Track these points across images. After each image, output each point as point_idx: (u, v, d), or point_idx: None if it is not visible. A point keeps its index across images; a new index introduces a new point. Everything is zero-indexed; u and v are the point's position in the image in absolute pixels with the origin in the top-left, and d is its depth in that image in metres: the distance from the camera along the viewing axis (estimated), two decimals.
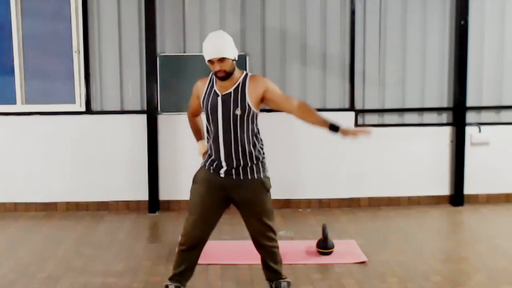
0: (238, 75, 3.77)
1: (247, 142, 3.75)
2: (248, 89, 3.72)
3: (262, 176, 3.82)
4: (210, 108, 3.76)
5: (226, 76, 3.69)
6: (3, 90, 6.73)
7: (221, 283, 4.53)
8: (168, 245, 5.41)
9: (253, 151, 3.77)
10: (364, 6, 6.69)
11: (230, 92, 3.72)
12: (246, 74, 3.80)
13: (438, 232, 6.16)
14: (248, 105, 3.71)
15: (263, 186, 3.83)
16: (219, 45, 3.67)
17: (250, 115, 3.74)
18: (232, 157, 3.74)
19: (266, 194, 3.85)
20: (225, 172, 3.77)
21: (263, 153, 3.86)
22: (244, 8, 6.63)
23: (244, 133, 3.74)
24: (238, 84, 3.73)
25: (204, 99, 3.80)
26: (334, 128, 3.67)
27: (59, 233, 5.96)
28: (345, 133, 3.66)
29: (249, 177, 3.78)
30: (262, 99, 3.77)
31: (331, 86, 6.75)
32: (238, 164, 3.75)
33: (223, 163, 3.76)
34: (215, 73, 3.71)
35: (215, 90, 3.77)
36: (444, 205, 6.86)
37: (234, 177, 3.77)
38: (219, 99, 3.73)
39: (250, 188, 3.80)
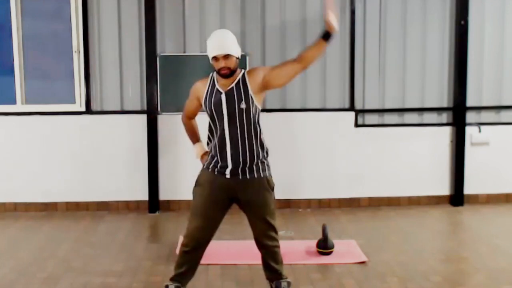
0: (237, 72, 3.79)
1: (254, 138, 3.76)
2: (249, 83, 3.74)
3: (267, 174, 3.84)
4: (214, 106, 3.76)
5: (229, 73, 3.70)
6: (3, 90, 6.73)
7: (221, 283, 4.53)
8: (168, 245, 5.41)
9: (259, 148, 3.79)
10: (364, 6, 6.70)
11: (233, 88, 3.73)
12: (243, 71, 3.81)
13: (438, 232, 6.16)
14: (251, 97, 3.72)
15: (268, 185, 3.84)
16: (224, 42, 3.69)
17: (254, 109, 3.75)
18: (239, 154, 3.74)
19: (271, 192, 3.86)
20: (231, 172, 3.77)
21: (267, 151, 3.86)
22: (244, 8, 6.63)
23: (250, 129, 3.75)
24: (239, 80, 3.74)
25: (206, 98, 3.80)
26: (326, 36, 3.63)
27: (59, 233, 5.96)
28: (328, 24, 3.60)
29: (255, 175, 3.78)
30: (265, 86, 3.76)
31: (331, 86, 6.75)
32: (245, 162, 3.74)
33: (229, 162, 3.76)
34: (219, 70, 3.71)
35: (217, 89, 3.77)
36: (444, 205, 6.86)
37: (240, 176, 3.77)
38: (223, 96, 3.73)
39: (256, 187, 3.80)
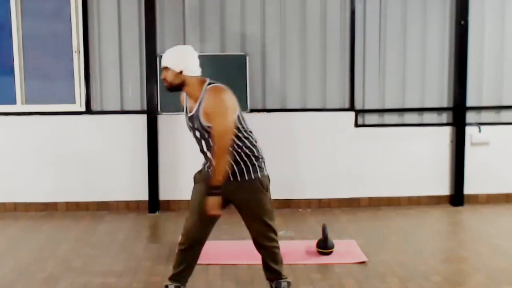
0: (198, 89, 3.71)
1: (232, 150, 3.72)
2: (202, 109, 3.68)
3: (259, 175, 3.81)
4: (187, 126, 3.83)
5: (170, 86, 3.74)
6: (3, 90, 6.73)
7: (221, 283, 4.53)
8: (168, 245, 5.41)
9: (240, 155, 3.74)
10: (364, 6, 6.69)
11: (193, 115, 3.73)
12: (207, 87, 3.70)
13: (438, 232, 6.16)
14: (203, 127, 3.69)
15: (261, 185, 3.82)
16: (167, 54, 3.74)
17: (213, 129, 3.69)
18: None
19: (265, 193, 3.84)
20: None
21: (257, 152, 3.81)
22: (244, 8, 6.63)
23: None
24: (199, 103, 3.70)
25: (184, 114, 3.85)
26: (213, 190, 3.65)
27: (59, 233, 5.96)
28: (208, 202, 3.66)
29: (246, 177, 3.77)
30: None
31: (331, 86, 6.75)
32: (230, 170, 3.73)
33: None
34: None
35: (187, 110, 3.82)
36: (444, 205, 6.86)
37: (231, 179, 3.76)
38: (190, 119, 3.78)
39: (248, 188, 3.78)
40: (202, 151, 3.83)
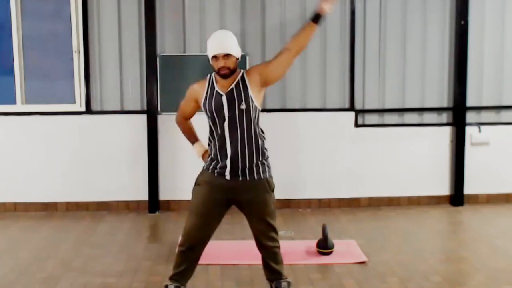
0: (237, 73, 3.78)
1: (254, 139, 3.76)
2: (249, 83, 3.73)
3: (267, 176, 3.83)
4: (215, 108, 3.75)
5: (229, 73, 3.70)
6: (3, 90, 6.73)
7: (221, 283, 4.53)
8: (168, 245, 5.41)
9: (259, 150, 3.78)
10: (364, 6, 6.70)
11: (233, 89, 3.73)
12: (242, 71, 3.80)
13: (438, 232, 6.16)
14: (251, 98, 3.71)
15: (269, 186, 3.83)
16: (225, 42, 3.70)
17: (254, 110, 3.74)
18: (238, 156, 3.73)
19: (271, 194, 3.85)
20: (230, 173, 3.76)
21: (267, 152, 3.86)
22: (244, 8, 6.63)
23: (251, 130, 3.74)
24: (238, 81, 3.74)
25: (206, 101, 3.79)
26: (316, 18, 3.65)
27: (59, 233, 5.96)
28: (322, 9, 3.64)
29: (255, 177, 3.77)
30: (264, 83, 3.77)
31: (331, 86, 6.75)
32: (244, 164, 3.74)
33: (228, 163, 3.75)
34: (219, 70, 3.71)
35: (217, 91, 3.76)
36: (444, 205, 6.86)
37: (240, 178, 3.76)
38: (224, 98, 3.73)
39: (256, 189, 3.79)
40: (223, 139, 3.75)
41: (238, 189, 3.77)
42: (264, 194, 3.81)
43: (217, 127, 3.78)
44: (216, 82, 3.79)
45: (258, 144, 3.78)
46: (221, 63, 3.67)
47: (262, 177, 3.79)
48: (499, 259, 5.03)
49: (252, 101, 3.72)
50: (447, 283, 4.53)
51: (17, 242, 5.66)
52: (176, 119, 4.12)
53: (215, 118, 3.76)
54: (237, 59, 3.74)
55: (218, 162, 3.79)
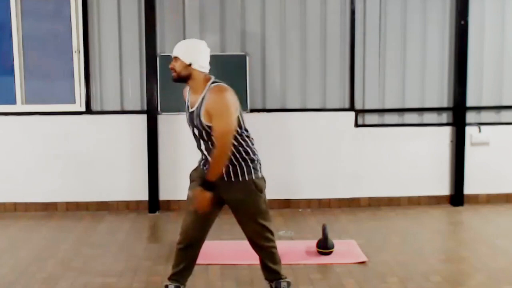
0: (202, 86, 3.72)
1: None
2: (204, 107, 3.67)
3: (253, 177, 3.78)
4: (187, 121, 3.84)
5: (177, 77, 3.74)
6: (3, 90, 6.73)
7: (221, 283, 4.53)
8: (168, 245, 5.41)
9: (236, 157, 3.73)
10: (364, 6, 6.69)
11: (194, 111, 3.73)
12: (211, 85, 3.71)
13: (438, 232, 6.15)
14: (202, 125, 3.68)
15: (255, 187, 3.80)
16: (179, 45, 3.77)
17: (207, 129, 3.70)
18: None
19: (259, 195, 3.82)
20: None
21: (253, 153, 3.81)
22: (244, 8, 6.63)
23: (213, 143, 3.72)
24: (202, 99, 3.69)
25: (185, 109, 3.86)
26: (206, 185, 3.66)
27: (59, 233, 5.96)
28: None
29: (240, 178, 3.75)
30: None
31: (331, 86, 6.75)
32: (225, 169, 3.72)
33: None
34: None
35: (188, 105, 3.82)
36: (444, 205, 6.86)
37: (225, 179, 3.75)
38: (190, 115, 3.77)
39: (240, 189, 3.77)
40: (199, 148, 3.83)
41: (224, 187, 3.73)
42: (252, 195, 3.79)
43: (192, 136, 3.84)
44: (190, 93, 3.82)
45: (233, 154, 3.70)
46: (171, 64, 3.76)
47: (247, 178, 3.76)
48: (499, 259, 5.03)
49: (205, 126, 3.67)
50: (447, 283, 4.53)
51: (17, 242, 5.66)
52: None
53: (189, 128, 3.84)
54: (189, 65, 3.69)
55: (205, 163, 3.81)
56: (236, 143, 3.73)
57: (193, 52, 3.71)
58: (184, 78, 3.73)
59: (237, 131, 3.72)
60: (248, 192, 3.79)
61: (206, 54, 3.76)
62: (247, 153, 3.78)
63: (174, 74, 3.74)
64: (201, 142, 3.78)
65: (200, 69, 3.72)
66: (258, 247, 3.92)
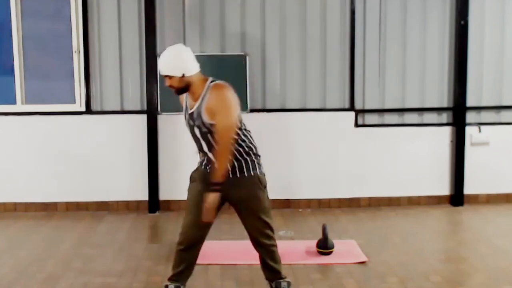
0: (202, 86, 3.72)
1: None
2: (205, 106, 3.68)
3: (258, 172, 3.81)
4: (186, 123, 3.83)
5: (177, 91, 3.74)
6: (3, 90, 6.73)
7: (221, 283, 4.53)
8: (168, 245, 5.40)
9: (240, 152, 3.74)
10: (364, 6, 6.69)
11: (193, 112, 3.73)
12: (210, 84, 3.72)
13: (438, 232, 6.16)
14: (204, 124, 3.68)
15: (259, 183, 3.82)
16: (164, 63, 3.70)
17: (209, 127, 3.70)
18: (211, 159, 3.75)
19: (263, 190, 3.84)
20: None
21: (255, 149, 3.82)
22: (244, 7, 6.63)
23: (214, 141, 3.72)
24: (202, 99, 3.70)
25: (183, 112, 3.85)
26: (213, 186, 3.65)
27: (59, 233, 5.96)
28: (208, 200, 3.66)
29: (245, 174, 3.76)
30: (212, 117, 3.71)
31: (331, 86, 6.75)
32: (229, 165, 3.72)
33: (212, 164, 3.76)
34: None
35: (187, 107, 3.81)
36: (444, 205, 6.86)
37: (230, 175, 3.75)
38: (190, 116, 3.77)
39: (246, 185, 3.78)
40: (201, 149, 3.82)
41: (229, 185, 3.72)
42: (256, 190, 3.80)
43: (192, 139, 3.83)
44: (188, 95, 3.81)
45: (236, 150, 3.71)
46: (167, 83, 3.73)
47: (252, 174, 3.77)
48: (499, 259, 5.03)
49: (208, 125, 3.67)
50: (447, 283, 4.53)
51: (17, 242, 5.66)
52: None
53: (188, 131, 3.83)
54: (182, 76, 3.67)
55: (205, 161, 3.81)
56: (239, 139, 3.74)
57: (180, 63, 3.69)
58: (185, 88, 3.73)
59: (239, 127, 3.74)
60: (253, 187, 3.79)
61: (190, 56, 3.74)
62: (250, 148, 3.80)
63: (174, 90, 3.74)
64: (203, 143, 3.77)
65: (193, 73, 3.72)
66: (259, 244, 3.92)
